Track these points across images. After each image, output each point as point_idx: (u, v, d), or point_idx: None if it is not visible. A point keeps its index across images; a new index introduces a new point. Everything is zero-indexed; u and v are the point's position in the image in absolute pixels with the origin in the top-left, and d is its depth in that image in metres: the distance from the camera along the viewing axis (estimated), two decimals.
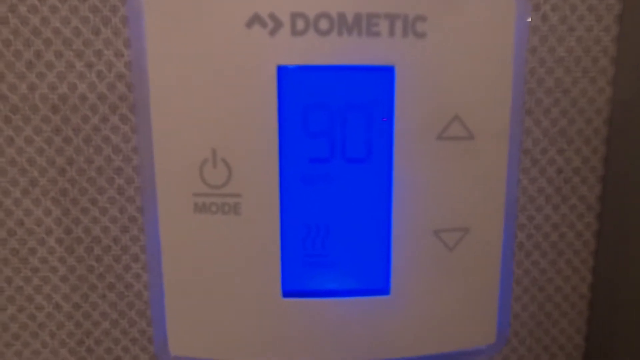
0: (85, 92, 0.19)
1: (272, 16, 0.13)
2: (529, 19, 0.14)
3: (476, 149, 0.14)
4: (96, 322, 0.20)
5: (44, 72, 0.18)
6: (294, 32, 0.13)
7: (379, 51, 0.13)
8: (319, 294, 0.14)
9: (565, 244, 0.21)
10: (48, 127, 0.19)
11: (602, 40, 0.19)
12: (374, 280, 0.15)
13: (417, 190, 0.14)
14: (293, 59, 0.13)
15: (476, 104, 0.14)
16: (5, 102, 0.18)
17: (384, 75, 0.14)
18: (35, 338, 0.20)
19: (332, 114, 0.14)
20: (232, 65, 0.13)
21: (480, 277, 0.15)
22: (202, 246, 0.14)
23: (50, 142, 0.19)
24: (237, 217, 0.14)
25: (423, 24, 0.13)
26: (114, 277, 0.20)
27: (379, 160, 0.14)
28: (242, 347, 0.15)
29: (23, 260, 0.20)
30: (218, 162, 0.14)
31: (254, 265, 0.14)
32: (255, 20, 0.13)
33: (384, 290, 0.14)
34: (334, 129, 0.14)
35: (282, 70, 0.13)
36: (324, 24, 0.13)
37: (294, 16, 0.13)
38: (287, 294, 0.14)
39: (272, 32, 0.13)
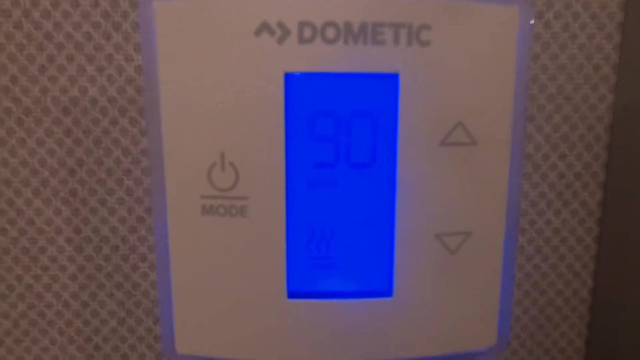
0: (96, 95, 0.19)
1: (280, 24, 0.13)
2: (532, 21, 0.15)
3: (478, 154, 0.14)
4: (104, 320, 0.21)
5: (55, 76, 0.19)
6: (301, 40, 0.13)
7: (383, 59, 0.14)
8: (323, 295, 0.15)
9: (567, 248, 0.21)
10: (59, 129, 0.19)
11: (604, 47, 0.19)
12: (377, 282, 0.15)
13: (420, 194, 0.14)
14: (300, 67, 0.14)
15: (479, 111, 0.14)
16: (18, 104, 0.19)
17: (388, 82, 0.14)
18: (45, 335, 0.21)
19: (338, 120, 0.14)
20: (240, 71, 0.14)
21: (481, 280, 0.15)
22: (209, 247, 0.14)
23: (61, 143, 0.19)
24: (244, 219, 0.14)
25: (427, 33, 0.14)
26: (122, 276, 0.20)
27: (383, 165, 0.14)
28: (248, 346, 0.15)
29: (33, 258, 0.20)
30: (226, 166, 0.14)
31: (260, 266, 0.14)
32: (263, 28, 0.13)
33: (387, 292, 0.15)
34: (339, 134, 0.14)
35: (289, 77, 0.14)
36: (330, 33, 0.13)
37: (302, 25, 0.13)
38: (292, 295, 0.14)
39: (280, 40, 0.13)
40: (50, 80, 0.19)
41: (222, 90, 0.14)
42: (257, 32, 0.13)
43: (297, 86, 0.14)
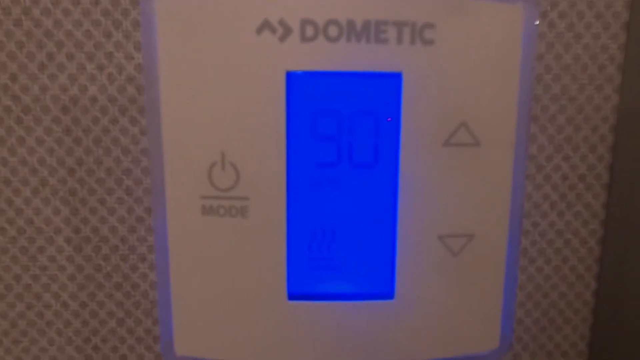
0: (96, 93, 0.19)
1: (282, 22, 0.13)
2: (537, 22, 0.14)
3: (482, 155, 0.14)
4: (103, 320, 0.20)
5: (55, 74, 0.19)
6: (304, 38, 0.13)
7: (386, 58, 0.13)
8: (324, 297, 0.14)
9: (570, 250, 0.21)
10: (58, 128, 0.19)
11: (609, 47, 0.19)
12: (378, 284, 0.15)
13: (423, 195, 0.14)
14: (302, 65, 0.13)
15: (483, 111, 0.14)
16: (18, 102, 0.19)
17: (391, 81, 0.14)
18: (43, 335, 0.21)
19: (340, 120, 0.14)
20: (241, 70, 0.13)
21: (484, 283, 0.15)
22: (209, 248, 0.14)
23: (61, 142, 0.19)
24: (244, 220, 0.14)
25: (431, 32, 0.13)
26: (121, 277, 0.20)
27: (386, 166, 0.14)
28: (248, 348, 0.15)
29: (32, 258, 0.20)
30: (226, 166, 0.14)
31: (260, 267, 0.14)
32: (265, 26, 0.13)
33: (388, 294, 0.15)
34: (342, 134, 0.14)
35: (291, 76, 0.13)
36: (333, 31, 0.13)
37: (304, 23, 0.13)
38: (292, 296, 0.14)
39: (282, 38, 0.13)
40: (50, 78, 0.19)
41: (223, 88, 0.13)
42: (259, 30, 0.13)
43: (298, 85, 0.14)
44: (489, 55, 0.14)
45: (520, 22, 0.14)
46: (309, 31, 0.13)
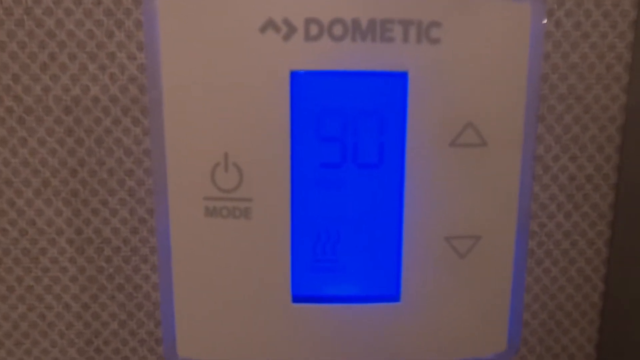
0: (98, 94, 0.19)
1: (286, 21, 0.13)
2: (545, 21, 0.14)
3: (489, 156, 0.14)
4: (105, 322, 0.20)
5: (57, 74, 0.18)
6: (308, 37, 0.13)
7: (392, 57, 0.13)
8: (328, 299, 0.14)
9: (577, 251, 0.20)
10: (61, 129, 0.19)
11: (616, 46, 0.19)
12: (384, 286, 0.14)
13: (429, 196, 0.14)
14: (306, 65, 0.13)
15: (490, 111, 0.14)
16: (20, 103, 0.19)
17: (397, 81, 0.13)
18: (45, 337, 0.20)
19: (345, 120, 0.14)
20: (245, 69, 0.13)
21: (491, 285, 0.15)
22: (212, 250, 0.14)
23: (63, 143, 0.19)
24: (248, 221, 0.14)
25: (437, 30, 0.13)
26: (123, 278, 0.20)
27: (391, 166, 0.14)
28: (251, 351, 0.15)
29: (34, 260, 0.20)
30: (230, 167, 0.14)
31: (264, 270, 0.14)
32: (269, 25, 0.13)
33: (394, 297, 0.14)
34: (346, 134, 0.14)
35: (295, 76, 0.13)
36: (337, 30, 0.13)
37: (308, 21, 0.13)
38: (296, 299, 0.14)
39: (286, 37, 0.13)
40: (52, 79, 0.19)
41: (226, 88, 0.13)
42: (263, 29, 0.13)
43: (303, 85, 0.13)
44: (496, 54, 0.14)
45: (528, 20, 0.14)
46: (314, 30, 0.13)
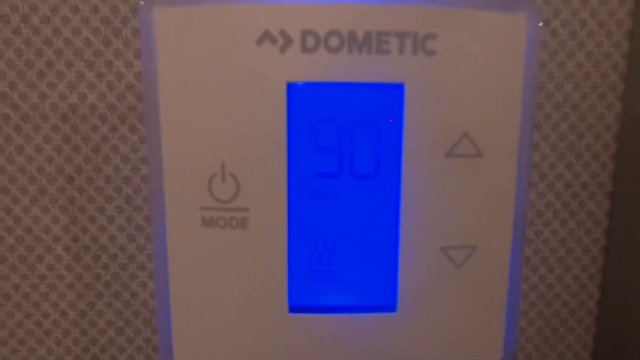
0: (95, 102, 0.19)
1: (283, 33, 0.13)
2: (540, 24, 0.14)
3: (485, 166, 0.14)
4: (102, 330, 0.20)
5: (54, 82, 0.18)
6: (304, 49, 0.13)
7: (388, 69, 0.13)
8: (325, 309, 0.14)
9: (573, 259, 0.21)
10: (57, 136, 0.19)
11: (612, 55, 0.19)
12: (380, 296, 0.15)
13: (425, 207, 0.14)
14: (303, 76, 0.13)
15: (485, 122, 0.14)
16: (16, 110, 0.19)
17: (393, 92, 0.14)
18: (41, 345, 0.20)
19: (341, 130, 0.14)
20: (242, 81, 0.13)
21: (487, 294, 0.15)
22: (209, 260, 0.14)
23: (60, 150, 0.19)
24: (245, 231, 0.14)
25: (433, 42, 0.13)
26: (120, 286, 0.20)
27: (387, 177, 0.14)
28: None
29: (30, 267, 0.20)
30: (227, 177, 0.14)
31: (260, 280, 0.14)
32: (265, 37, 0.13)
33: (390, 307, 0.14)
34: (343, 145, 0.14)
35: (291, 87, 0.13)
36: (334, 42, 0.13)
37: (305, 33, 0.13)
38: (293, 309, 0.14)
39: (283, 49, 0.13)
40: (49, 86, 0.19)
41: (223, 99, 0.13)
42: (259, 41, 0.13)
43: (299, 96, 0.13)
44: (492, 66, 0.14)
45: (523, 32, 0.14)
46: (310, 42, 0.13)
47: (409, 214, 0.14)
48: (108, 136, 0.19)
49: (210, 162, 0.14)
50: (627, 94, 0.19)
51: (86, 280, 0.20)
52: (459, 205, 0.14)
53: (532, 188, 0.20)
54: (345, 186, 0.14)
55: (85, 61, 0.18)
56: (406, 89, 0.13)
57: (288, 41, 0.13)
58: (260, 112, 0.13)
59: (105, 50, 0.18)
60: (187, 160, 0.14)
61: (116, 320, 0.20)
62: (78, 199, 0.19)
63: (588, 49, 0.19)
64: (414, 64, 0.13)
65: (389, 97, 0.14)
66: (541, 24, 0.18)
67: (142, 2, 0.13)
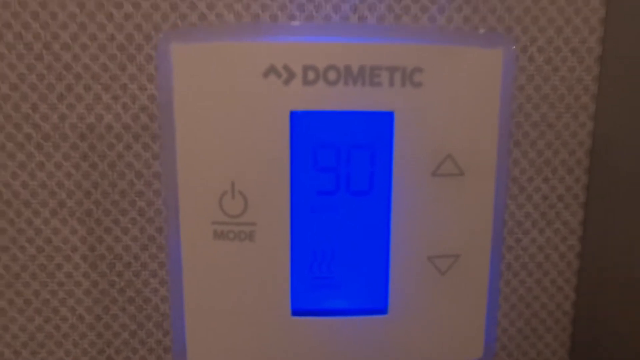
0: (111, 122, 0.20)
1: (286, 67, 0.15)
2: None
3: (466, 184, 0.16)
4: (116, 332, 0.22)
5: (73, 104, 0.20)
6: (306, 82, 0.15)
7: (380, 99, 0.15)
8: (324, 313, 0.16)
9: (550, 264, 0.22)
10: (76, 154, 0.20)
11: (583, 79, 0.21)
12: (373, 300, 0.16)
13: (413, 220, 0.16)
14: (304, 105, 0.15)
15: (466, 145, 0.16)
16: (38, 130, 0.20)
17: (384, 119, 0.15)
18: (60, 347, 0.22)
19: (339, 153, 0.16)
20: (250, 109, 0.15)
21: (469, 299, 0.17)
22: (220, 269, 0.16)
23: (78, 167, 0.20)
24: (252, 243, 0.16)
25: (420, 75, 0.15)
26: (134, 292, 0.21)
27: (380, 194, 0.16)
28: None
29: (50, 275, 0.21)
30: (236, 194, 0.15)
31: (266, 286, 0.16)
32: (271, 70, 0.15)
33: (382, 310, 0.16)
34: (340, 166, 0.16)
35: (294, 115, 0.15)
36: (332, 75, 0.15)
37: (306, 68, 0.15)
38: (296, 312, 0.16)
39: (286, 82, 0.15)
40: (69, 108, 0.20)
41: (233, 126, 0.15)
42: (265, 74, 0.15)
43: (301, 123, 0.15)
44: (472, 95, 0.15)
45: (499, 65, 0.16)
46: (311, 75, 0.15)
47: (398, 226, 0.16)
48: (123, 153, 0.20)
49: (222, 181, 0.15)
50: (598, 113, 0.21)
51: (102, 287, 0.21)
52: (444, 218, 0.16)
53: (512, 199, 0.21)
54: (342, 202, 0.16)
55: (102, 85, 0.20)
56: (396, 117, 0.15)
57: (291, 75, 0.15)
58: (266, 137, 0.15)
59: (121, 75, 0.20)
60: (200, 179, 0.15)
61: (130, 323, 0.22)
62: (95, 211, 0.21)
63: (562, 74, 0.21)
64: (402, 94, 0.15)
65: (380, 123, 0.15)
66: (517, 56, 0.20)
67: (161, 36, 0.15)
